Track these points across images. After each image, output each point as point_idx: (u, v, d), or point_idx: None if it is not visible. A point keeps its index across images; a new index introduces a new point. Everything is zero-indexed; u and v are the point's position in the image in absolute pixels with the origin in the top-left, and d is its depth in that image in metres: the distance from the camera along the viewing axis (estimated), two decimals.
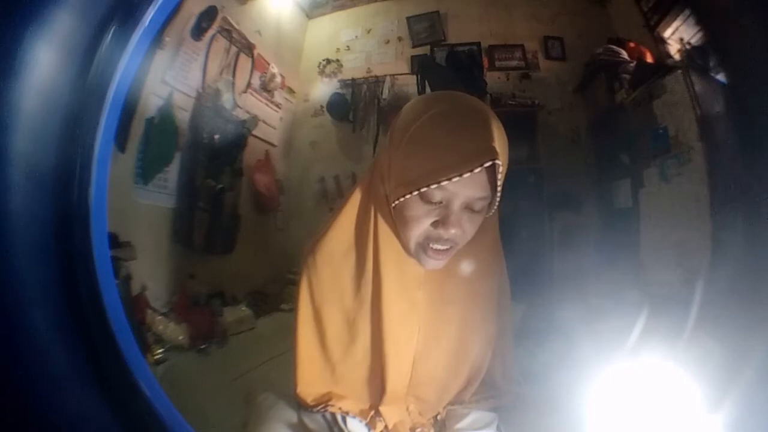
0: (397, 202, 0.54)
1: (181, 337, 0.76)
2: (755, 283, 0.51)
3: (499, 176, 0.49)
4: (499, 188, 0.51)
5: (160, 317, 0.74)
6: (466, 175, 0.48)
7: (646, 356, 0.59)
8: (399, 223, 0.57)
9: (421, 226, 0.54)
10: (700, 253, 0.64)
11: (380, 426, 0.64)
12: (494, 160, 0.47)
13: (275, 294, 0.88)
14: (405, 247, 0.58)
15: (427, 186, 0.50)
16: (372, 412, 0.65)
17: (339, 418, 0.62)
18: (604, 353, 0.63)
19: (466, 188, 0.51)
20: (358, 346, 0.63)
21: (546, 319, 0.75)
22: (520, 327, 0.71)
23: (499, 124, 0.53)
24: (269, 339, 0.82)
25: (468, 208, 0.53)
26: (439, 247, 0.55)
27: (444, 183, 0.49)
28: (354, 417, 0.63)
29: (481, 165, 0.48)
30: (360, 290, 0.62)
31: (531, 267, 0.78)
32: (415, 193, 0.51)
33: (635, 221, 0.74)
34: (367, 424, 0.63)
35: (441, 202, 0.53)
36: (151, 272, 0.75)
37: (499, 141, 0.50)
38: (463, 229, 0.54)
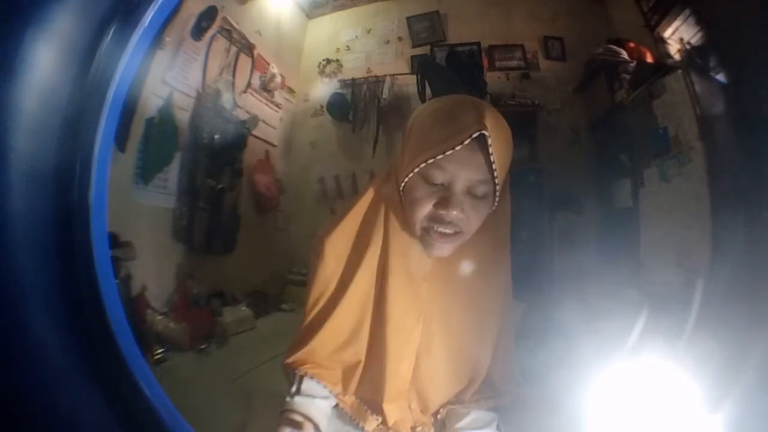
0: (403, 183, 0.57)
1: (181, 337, 0.76)
2: (755, 283, 0.51)
3: (491, 149, 0.51)
4: (494, 166, 0.53)
5: (160, 317, 0.75)
6: (457, 148, 0.51)
7: (646, 356, 0.59)
8: (406, 208, 0.59)
9: (425, 207, 0.56)
10: (700, 253, 0.64)
11: (374, 423, 0.64)
12: (481, 130, 0.50)
13: (275, 294, 0.88)
14: (410, 232, 0.59)
15: (425, 162, 0.53)
16: (366, 409, 0.65)
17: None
18: (604, 353, 0.63)
19: (464, 168, 0.54)
20: (359, 336, 0.64)
21: (546, 318, 0.75)
22: (520, 326, 0.71)
23: (499, 115, 0.54)
24: (269, 339, 0.82)
25: (471, 192, 0.55)
26: (444, 230, 0.57)
27: (439, 158, 0.52)
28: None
29: (469, 137, 0.50)
30: (365, 280, 0.62)
31: (531, 266, 0.78)
32: (416, 170, 0.54)
33: (635, 221, 0.74)
34: (357, 419, 0.64)
35: (443, 184, 0.55)
36: (151, 272, 0.75)
37: (495, 124, 0.52)
38: (465, 214, 0.56)
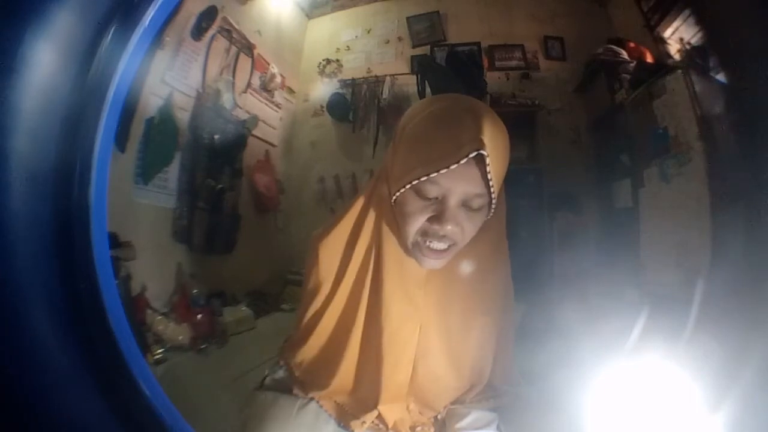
0: (394, 197, 0.55)
1: (181, 337, 0.76)
2: (755, 283, 0.51)
3: (488, 168, 0.49)
4: (491, 183, 0.50)
5: (160, 317, 0.75)
6: (453, 167, 0.48)
7: (646, 356, 0.59)
8: (399, 220, 0.57)
9: (417, 222, 0.54)
10: (700, 253, 0.64)
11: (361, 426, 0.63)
12: (479, 150, 0.47)
13: (275, 294, 0.88)
14: (403, 244, 0.58)
15: (418, 179, 0.51)
16: (353, 412, 0.63)
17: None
18: (604, 353, 0.63)
19: (459, 183, 0.51)
20: (351, 341, 0.63)
21: (546, 319, 0.75)
22: (520, 327, 0.71)
23: (495, 120, 0.52)
24: (269, 339, 0.82)
25: (466, 205, 0.53)
26: (437, 246, 0.55)
27: (433, 176, 0.50)
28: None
29: (466, 156, 0.48)
30: (358, 288, 0.62)
31: (531, 267, 0.78)
32: (408, 186, 0.52)
33: (635, 221, 0.74)
34: (340, 420, 0.63)
35: (437, 198, 0.53)
36: (151, 272, 0.75)
37: (492, 136, 0.49)
38: (461, 227, 0.54)
